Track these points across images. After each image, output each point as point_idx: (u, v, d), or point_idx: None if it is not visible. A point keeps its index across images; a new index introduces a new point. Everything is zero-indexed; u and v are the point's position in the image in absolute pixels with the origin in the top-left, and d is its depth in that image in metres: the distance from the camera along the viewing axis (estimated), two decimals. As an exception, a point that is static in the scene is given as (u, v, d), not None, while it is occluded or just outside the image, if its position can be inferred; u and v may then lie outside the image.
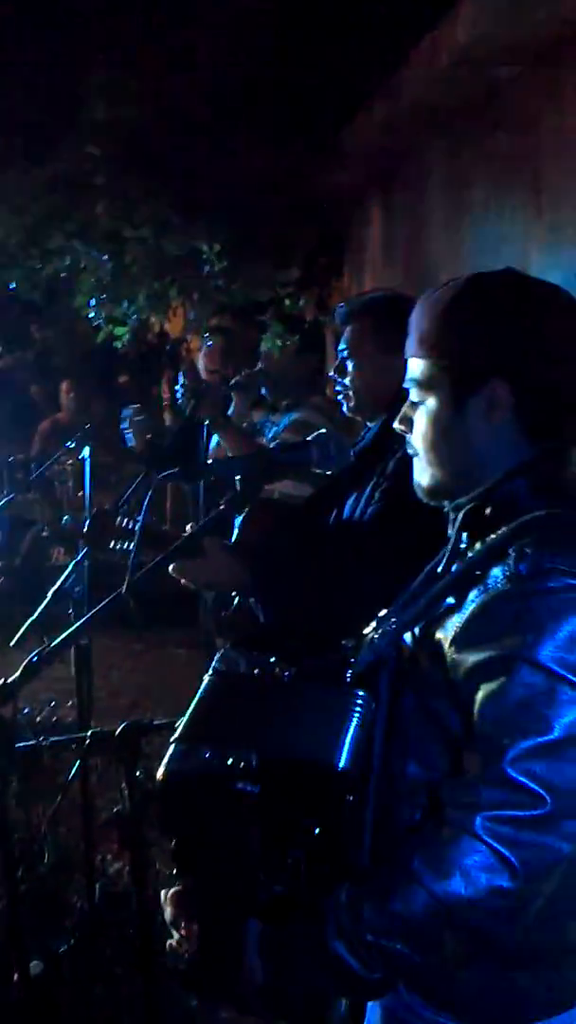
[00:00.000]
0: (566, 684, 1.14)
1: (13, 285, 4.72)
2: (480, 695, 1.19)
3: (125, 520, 2.25)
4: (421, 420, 1.35)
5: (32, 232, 4.43)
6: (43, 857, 3.30)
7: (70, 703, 4.70)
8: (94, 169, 4.40)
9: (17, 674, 1.35)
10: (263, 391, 3.90)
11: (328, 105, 4.73)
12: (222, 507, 1.48)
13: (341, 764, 1.23)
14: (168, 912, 1.34)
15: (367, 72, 4.36)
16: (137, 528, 2.07)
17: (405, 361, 1.38)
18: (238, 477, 1.46)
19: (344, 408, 2.37)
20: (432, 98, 3.85)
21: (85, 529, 2.26)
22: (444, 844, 1.15)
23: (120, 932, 2.89)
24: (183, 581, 2.20)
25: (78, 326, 7.05)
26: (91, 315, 4.57)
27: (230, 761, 1.26)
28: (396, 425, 1.40)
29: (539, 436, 1.32)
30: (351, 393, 2.30)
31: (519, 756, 1.13)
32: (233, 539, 2.43)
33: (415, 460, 1.39)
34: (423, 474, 1.38)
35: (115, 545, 2.24)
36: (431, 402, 1.33)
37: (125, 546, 2.22)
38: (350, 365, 2.28)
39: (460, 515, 1.33)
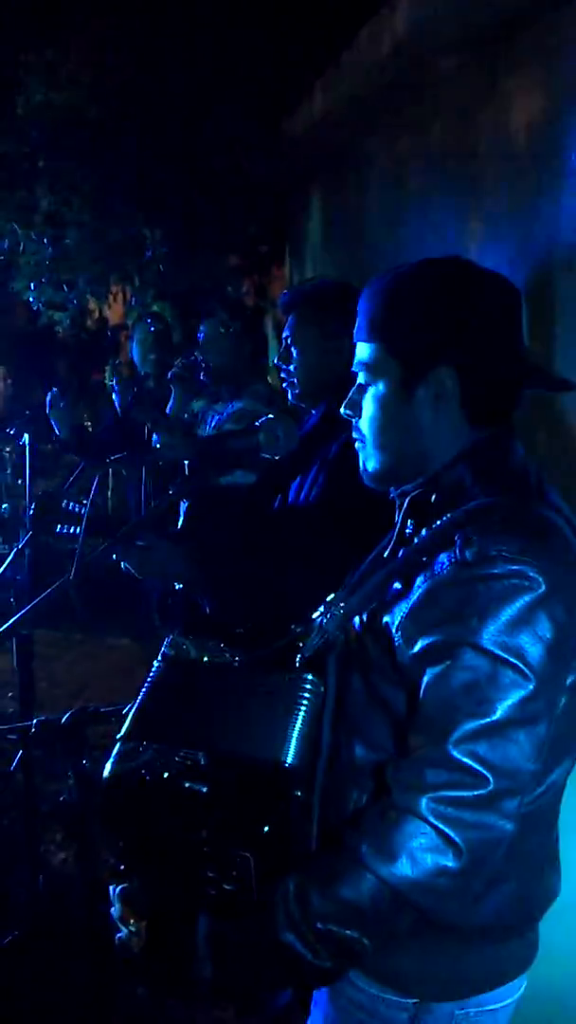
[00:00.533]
0: (509, 667, 1.16)
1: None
2: (426, 679, 1.21)
3: (70, 504, 2.23)
4: (369, 405, 1.36)
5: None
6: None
7: (10, 694, 4.66)
8: (34, 151, 4.32)
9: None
10: (203, 380, 3.87)
11: (269, 94, 4.72)
12: (170, 494, 1.48)
13: (289, 760, 1.25)
14: (117, 908, 1.34)
15: (307, 62, 4.37)
16: (83, 513, 2.05)
17: (349, 347, 1.39)
18: (186, 462, 1.46)
19: (289, 395, 2.38)
20: (371, 88, 3.86)
21: (31, 512, 2.23)
22: (389, 827, 1.17)
23: (65, 923, 2.88)
24: (128, 569, 2.19)
25: (16, 311, 6.94)
26: (31, 299, 4.49)
27: (177, 759, 1.28)
28: (343, 410, 1.40)
29: (482, 423, 1.34)
30: (295, 380, 2.32)
31: (462, 738, 1.16)
32: (179, 527, 2.43)
33: (361, 446, 1.40)
34: (370, 459, 1.39)
35: (61, 528, 2.22)
36: (380, 387, 1.34)
37: (71, 530, 2.20)
38: (294, 352, 2.30)
39: (406, 501, 1.35)
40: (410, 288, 1.32)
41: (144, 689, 1.40)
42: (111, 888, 1.36)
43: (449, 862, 1.15)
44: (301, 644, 1.31)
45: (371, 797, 1.28)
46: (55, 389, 4.16)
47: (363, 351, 1.36)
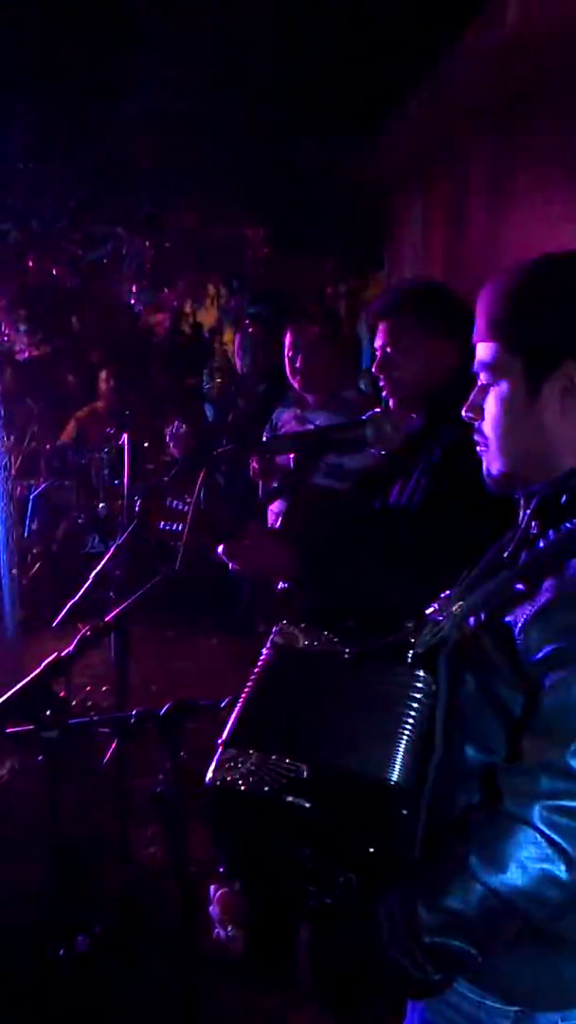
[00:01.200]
0: None
1: (55, 272, 4.74)
2: (547, 683, 1.17)
3: (174, 502, 2.25)
4: (492, 406, 1.32)
5: (74, 218, 4.44)
6: (76, 840, 3.32)
7: (104, 688, 4.75)
8: (137, 155, 4.40)
9: (71, 648, 1.35)
10: (294, 384, 3.76)
11: (372, 94, 4.70)
12: (275, 488, 1.47)
13: (394, 777, 1.22)
14: (216, 910, 1.33)
15: (412, 59, 4.33)
16: (186, 510, 2.07)
17: (451, 349, 1.37)
18: (292, 456, 1.45)
19: (391, 403, 2.32)
20: (478, 85, 3.81)
21: (133, 510, 2.25)
22: (499, 836, 1.14)
23: (154, 916, 2.91)
24: (232, 566, 2.20)
25: (116, 314, 7.07)
26: (132, 301, 4.57)
27: (280, 770, 1.26)
28: (465, 413, 1.36)
29: None
30: (396, 386, 2.26)
31: None
32: (279, 525, 2.42)
33: (485, 449, 1.35)
34: (495, 461, 1.34)
35: (164, 525, 2.24)
36: (503, 387, 1.30)
37: (173, 527, 2.22)
38: (394, 357, 2.24)
39: (533, 501, 1.30)
40: (530, 284, 1.29)
41: (249, 683, 1.38)
42: (212, 888, 1.34)
43: (560, 873, 1.11)
44: (413, 640, 1.28)
45: (480, 800, 1.24)
46: (178, 420, 4.25)
47: (484, 351, 1.33)
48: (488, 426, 1.33)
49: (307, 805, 1.24)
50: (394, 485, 2.26)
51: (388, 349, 2.24)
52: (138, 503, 2.17)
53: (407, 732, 1.24)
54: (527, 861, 1.12)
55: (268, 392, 4.24)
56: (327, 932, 1.23)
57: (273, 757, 1.28)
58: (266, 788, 1.27)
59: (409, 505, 2.14)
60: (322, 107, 4.68)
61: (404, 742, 1.24)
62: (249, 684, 1.39)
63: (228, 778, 1.29)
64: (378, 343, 2.28)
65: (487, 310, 1.32)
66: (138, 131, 4.42)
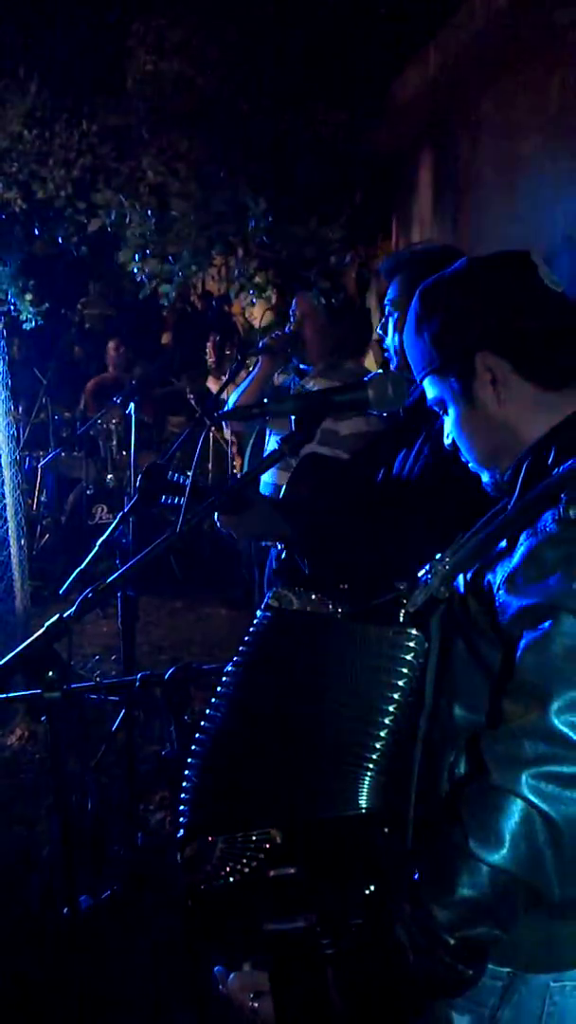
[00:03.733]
0: None
1: (60, 240, 4.71)
2: (523, 642, 1.17)
3: (176, 475, 2.24)
4: (452, 431, 1.42)
5: (78, 186, 4.40)
6: (86, 806, 3.36)
7: (113, 657, 4.79)
8: (140, 122, 4.35)
9: (73, 609, 1.35)
10: (293, 360, 3.68)
11: (378, 56, 4.63)
12: (275, 450, 1.47)
13: (364, 804, 1.20)
14: (231, 991, 1.25)
15: (420, 20, 4.26)
16: (186, 483, 2.06)
17: None
18: (293, 417, 1.45)
19: (392, 365, 2.31)
20: (487, 45, 3.74)
21: (137, 482, 2.25)
22: (492, 812, 1.13)
23: (161, 881, 2.94)
24: (228, 532, 2.19)
25: (123, 284, 7.03)
26: (135, 270, 4.53)
27: (252, 842, 1.21)
28: (445, 441, 1.45)
29: (562, 383, 1.33)
30: (398, 350, 2.25)
31: (564, 707, 1.11)
32: (283, 496, 2.41)
33: (472, 467, 1.44)
34: (481, 474, 1.42)
35: (166, 499, 2.23)
36: (451, 409, 1.40)
37: (175, 500, 2.21)
38: (398, 320, 2.23)
39: (521, 472, 1.32)
40: (414, 318, 1.41)
41: (242, 648, 1.37)
42: (217, 973, 1.26)
43: (553, 839, 1.11)
44: (405, 600, 1.28)
45: (466, 770, 1.24)
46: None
47: (427, 389, 1.44)
48: (462, 447, 1.43)
49: (292, 871, 1.20)
50: (398, 454, 2.24)
51: (393, 309, 2.23)
52: (139, 479, 2.16)
53: (394, 707, 1.23)
54: (520, 833, 1.11)
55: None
56: (351, 970, 1.19)
57: (239, 836, 1.23)
58: (246, 871, 1.22)
59: (411, 475, 2.13)
60: (328, 73, 4.61)
61: (387, 723, 1.22)
62: (241, 652, 1.38)
63: (201, 878, 1.23)
64: (387, 299, 2.26)
65: (408, 351, 1.45)
66: (142, 99, 4.36)
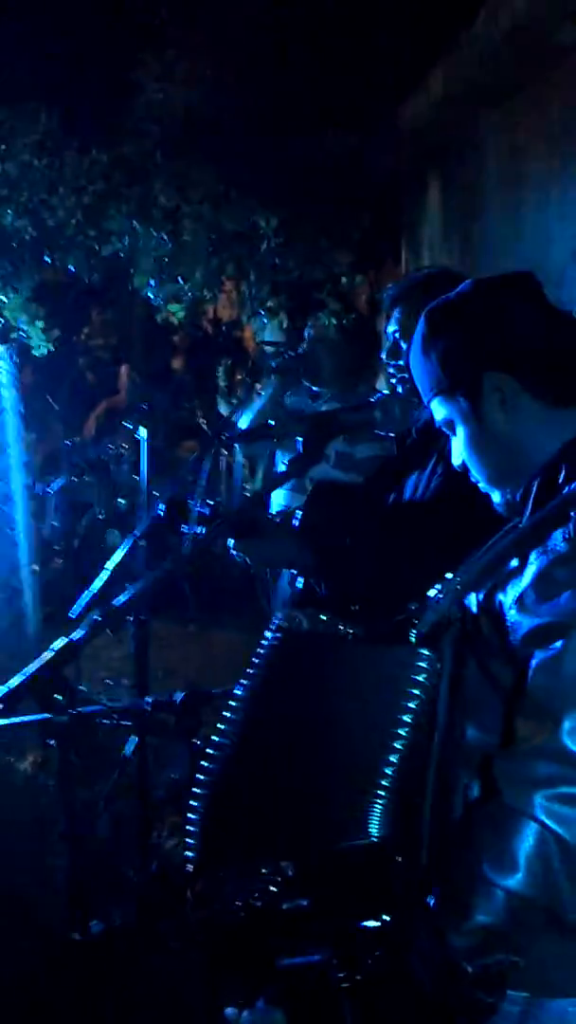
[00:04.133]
0: None
1: (72, 268, 4.74)
2: (534, 662, 1.16)
3: (197, 505, 2.24)
4: (462, 452, 1.41)
5: (90, 213, 4.44)
6: (99, 831, 3.35)
7: (125, 681, 4.78)
8: (152, 148, 4.39)
9: (81, 631, 1.35)
10: (305, 382, 3.67)
11: (384, 80, 4.68)
12: (284, 473, 1.47)
13: (375, 831, 1.19)
14: None
15: (423, 45, 4.30)
16: (207, 512, 2.06)
17: None
18: (299, 439, 1.45)
19: (399, 390, 2.30)
20: (490, 68, 3.77)
21: (162, 514, 2.25)
22: (505, 835, 1.12)
23: (175, 907, 2.92)
24: (242, 558, 2.19)
25: (135, 309, 7.08)
26: (150, 295, 4.56)
27: (262, 876, 1.19)
28: (454, 462, 1.44)
29: (571, 400, 1.33)
30: (407, 375, 2.24)
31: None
32: (299, 523, 2.41)
33: (482, 487, 1.43)
34: (493, 494, 1.41)
35: (188, 529, 2.24)
36: (459, 430, 1.39)
37: (197, 530, 2.22)
38: (404, 346, 2.19)
39: (532, 491, 1.32)
40: (423, 340, 1.41)
41: (251, 670, 1.36)
42: (230, 1015, 1.23)
43: (567, 862, 1.10)
44: (416, 621, 1.27)
45: (479, 791, 1.23)
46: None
47: (434, 410, 1.43)
48: (472, 468, 1.42)
49: (305, 903, 1.18)
50: (410, 477, 2.24)
51: (398, 336, 2.23)
52: (162, 510, 2.16)
53: (406, 729, 1.21)
54: (535, 856, 1.10)
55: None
56: (369, 1004, 1.17)
57: (250, 870, 1.22)
58: (258, 905, 1.20)
59: (424, 497, 2.12)
60: (335, 96, 4.66)
61: (399, 746, 1.21)
62: (249, 675, 1.37)
63: (212, 915, 1.21)
64: (390, 329, 2.26)
65: (415, 373, 1.45)
66: (152, 124, 4.41)
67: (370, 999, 1.16)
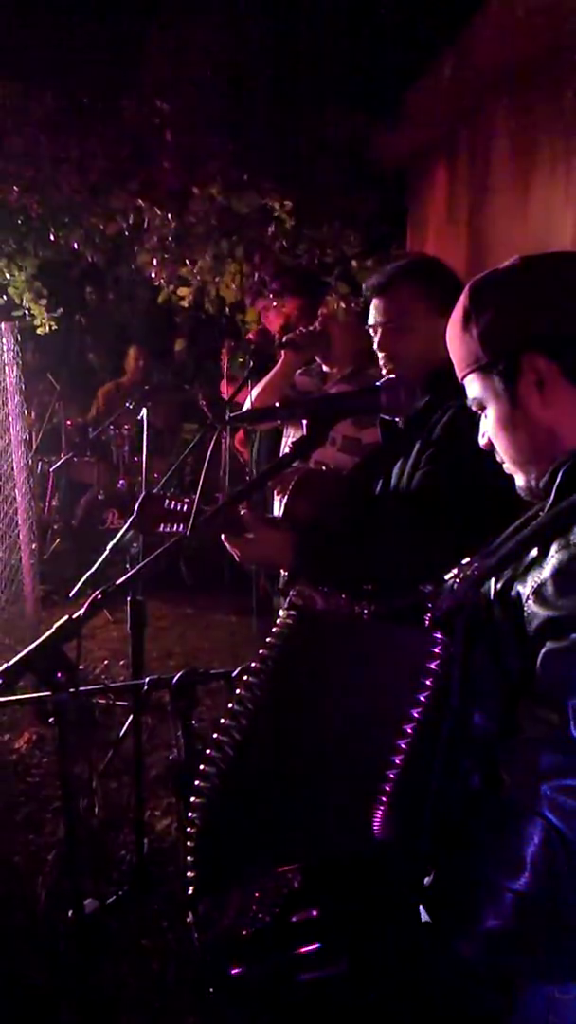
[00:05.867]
0: None
1: (76, 245, 4.71)
2: (546, 652, 1.15)
3: (172, 503, 2.22)
4: (491, 430, 1.38)
5: (95, 191, 4.41)
6: (94, 811, 3.35)
7: (122, 663, 4.78)
8: (160, 126, 4.35)
9: (82, 610, 1.34)
10: (317, 359, 3.63)
11: (394, 63, 4.63)
12: (289, 451, 1.46)
13: (385, 832, 1.17)
14: None
15: (435, 28, 4.26)
16: (185, 509, 2.04)
17: (446, 323, 1.40)
18: (304, 421, 1.44)
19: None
20: (504, 54, 3.73)
21: (134, 515, 2.24)
22: (509, 835, 1.11)
23: (167, 887, 2.93)
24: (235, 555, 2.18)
25: (139, 290, 7.04)
26: (152, 275, 4.54)
27: (270, 888, 1.18)
28: (481, 441, 1.42)
29: None
30: (394, 361, 2.20)
31: None
32: (282, 512, 2.39)
33: (508, 467, 1.40)
34: (517, 477, 1.39)
35: (164, 528, 2.21)
36: (492, 409, 1.37)
37: (174, 528, 2.20)
38: (398, 332, 2.19)
39: (559, 477, 1.30)
40: (465, 314, 1.37)
41: (265, 651, 1.34)
42: None
43: (571, 863, 1.09)
44: (430, 604, 1.27)
45: (482, 782, 1.22)
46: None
47: (468, 386, 1.40)
48: (499, 447, 1.39)
49: (315, 913, 1.16)
50: (393, 466, 2.23)
51: (389, 323, 2.20)
52: (136, 510, 2.15)
53: (419, 711, 1.20)
54: (540, 857, 1.09)
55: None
56: (388, 1016, 1.16)
57: (256, 885, 1.19)
58: (267, 919, 1.17)
59: (408, 486, 2.11)
60: (346, 78, 4.62)
61: (410, 731, 1.19)
62: (264, 657, 1.35)
63: (219, 933, 1.17)
64: (375, 320, 2.23)
65: (452, 347, 1.40)
66: (160, 101, 4.37)
67: (389, 1012, 1.15)
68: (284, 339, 3.55)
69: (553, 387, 1.30)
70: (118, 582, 1.41)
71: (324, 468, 3.12)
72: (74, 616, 1.34)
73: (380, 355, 2.21)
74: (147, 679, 1.79)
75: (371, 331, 2.25)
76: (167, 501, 2.23)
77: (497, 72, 3.95)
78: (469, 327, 1.36)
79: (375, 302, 2.23)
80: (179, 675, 1.77)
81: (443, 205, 5.21)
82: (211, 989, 1.22)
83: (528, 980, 1.23)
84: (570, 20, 3.15)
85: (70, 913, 1.49)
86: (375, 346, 2.25)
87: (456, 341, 1.39)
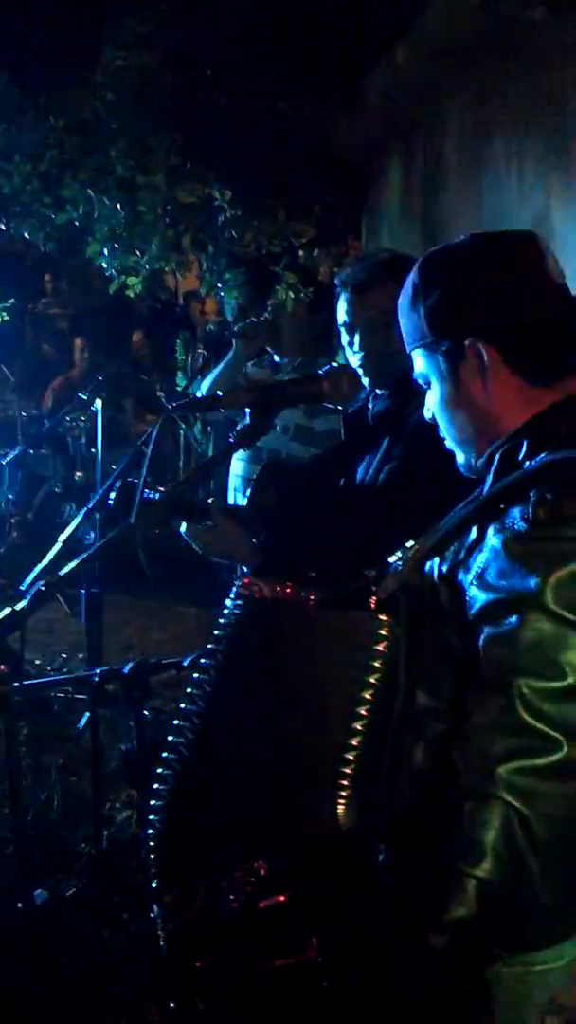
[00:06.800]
0: (574, 629, 1.12)
1: (27, 235, 4.66)
2: (486, 637, 1.17)
3: (147, 492, 2.20)
4: (434, 406, 1.39)
5: (46, 180, 4.36)
6: (52, 804, 3.34)
7: (81, 656, 4.75)
8: (108, 115, 4.31)
9: (25, 602, 1.33)
10: (269, 349, 3.62)
11: (348, 51, 4.63)
12: (229, 443, 1.46)
13: (347, 816, 1.17)
14: None
15: (389, 19, 4.26)
16: (159, 499, 2.03)
17: None
18: (247, 409, 1.44)
19: (364, 380, 2.20)
20: (455, 44, 3.75)
21: (111, 503, 2.21)
22: (469, 822, 1.12)
23: (127, 878, 2.92)
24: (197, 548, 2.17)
25: (92, 280, 6.97)
26: (103, 264, 4.50)
27: (235, 878, 1.18)
28: (426, 415, 1.42)
29: (551, 380, 1.30)
30: (374, 362, 2.16)
31: (530, 700, 1.12)
32: (247, 503, 2.39)
33: (450, 444, 1.42)
34: (457, 453, 1.40)
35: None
36: (434, 386, 1.37)
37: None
38: (378, 332, 2.13)
39: (495, 461, 1.32)
40: (411, 289, 1.37)
41: (212, 644, 1.34)
42: None
43: (532, 843, 1.11)
44: (375, 587, 1.27)
45: (425, 745, 1.24)
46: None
47: (415, 361, 1.40)
48: (440, 424, 1.40)
49: (282, 899, 1.17)
50: (361, 460, 2.22)
51: (366, 326, 2.17)
52: (113, 498, 2.12)
53: (370, 692, 1.21)
54: (500, 840, 1.11)
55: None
56: (363, 1004, 1.15)
57: (222, 873, 1.19)
58: (235, 907, 1.17)
59: (375, 480, 2.11)
60: (296, 68, 4.60)
61: (363, 713, 1.21)
62: (211, 650, 1.35)
63: (186, 924, 1.18)
64: (352, 320, 2.19)
65: (401, 320, 1.40)
66: (110, 91, 4.33)
67: (357, 996, 1.15)
68: (235, 328, 3.54)
69: (494, 374, 1.30)
70: (61, 572, 1.40)
71: (280, 458, 3.12)
72: (17, 608, 1.33)
73: (356, 355, 2.18)
74: (98, 671, 1.79)
75: (344, 329, 2.22)
76: (144, 491, 2.21)
77: (450, 62, 3.96)
78: (417, 304, 1.35)
79: (352, 300, 2.18)
80: (130, 665, 1.76)
81: (398, 195, 5.23)
82: (172, 1004, 1.22)
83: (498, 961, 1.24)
84: (523, 11, 3.16)
85: (19, 905, 1.48)
86: (350, 344, 2.22)
87: (405, 315, 1.39)
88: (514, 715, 1.12)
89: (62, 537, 2.62)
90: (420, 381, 1.41)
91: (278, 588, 1.32)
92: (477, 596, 1.20)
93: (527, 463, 1.24)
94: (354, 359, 2.19)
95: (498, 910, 1.12)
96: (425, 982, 1.13)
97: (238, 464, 3.39)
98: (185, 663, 1.71)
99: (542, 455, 1.24)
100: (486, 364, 1.30)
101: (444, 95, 4.24)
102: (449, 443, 1.41)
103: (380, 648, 1.23)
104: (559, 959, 1.32)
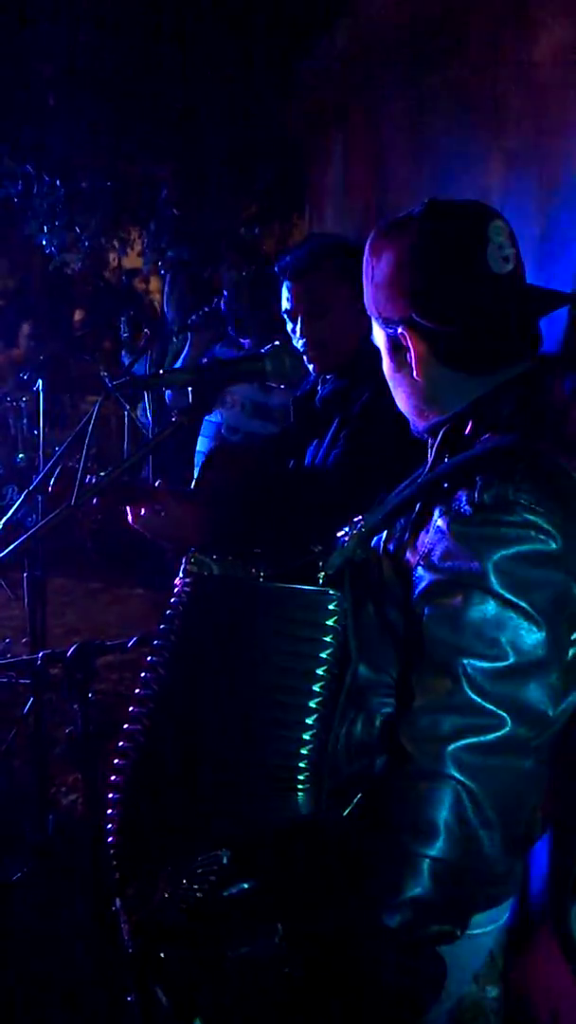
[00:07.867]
0: (517, 611, 1.14)
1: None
2: (434, 616, 1.18)
3: (88, 476, 2.17)
4: (386, 375, 1.41)
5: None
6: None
7: (24, 640, 4.70)
8: (45, 90, 4.23)
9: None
10: (229, 330, 3.64)
11: (288, 27, 4.60)
12: (173, 421, 1.45)
13: (305, 802, 1.19)
14: None
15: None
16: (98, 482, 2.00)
17: (358, 308, 1.43)
18: (190, 388, 1.43)
19: (309, 364, 2.18)
20: (391, 22, 3.74)
21: (50, 487, 2.17)
22: (421, 803, 1.14)
23: (71, 862, 2.91)
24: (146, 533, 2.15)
25: (32, 259, 6.85)
26: (43, 240, 4.42)
27: (198, 873, 1.18)
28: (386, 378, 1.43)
29: (487, 369, 1.31)
30: (317, 347, 2.14)
31: (475, 680, 1.13)
32: (194, 485, 2.38)
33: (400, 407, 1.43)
34: (410, 420, 1.42)
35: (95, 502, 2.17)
36: (385, 358, 1.40)
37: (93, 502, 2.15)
38: (319, 318, 2.13)
39: (439, 435, 1.33)
40: (367, 261, 1.37)
41: (166, 624, 1.33)
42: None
43: (483, 818, 1.13)
44: (322, 563, 1.28)
45: (365, 717, 1.25)
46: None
47: (373, 327, 1.42)
48: (391, 390, 1.42)
49: (246, 885, 1.18)
50: (308, 445, 2.23)
51: (308, 313, 2.14)
52: (52, 482, 2.08)
53: (323, 669, 1.22)
54: (452, 818, 1.12)
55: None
56: (326, 992, 1.15)
57: (184, 863, 1.19)
58: (199, 895, 1.17)
59: (324, 464, 2.12)
60: (235, 47, 4.56)
61: (317, 690, 1.22)
62: (164, 631, 1.34)
63: (151, 914, 1.17)
64: (293, 306, 2.17)
65: (364, 286, 1.40)
66: (46, 65, 4.25)
67: (323, 982, 1.15)
68: (190, 320, 3.58)
69: (425, 365, 1.31)
70: (5, 552, 1.38)
71: (237, 434, 3.12)
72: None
73: (299, 341, 2.17)
74: (41, 654, 1.77)
75: (286, 316, 2.19)
76: (87, 476, 2.18)
77: (388, 40, 3.95)
78: (368, 278, 1.37)
79: (291, 287, 2.16)
80: (73, 648, 1.74)
81: (339, 174, 5.21)
82: (128, 999, 1.21)
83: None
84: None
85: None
86: (293, 331, 2.19)
87: (364, 284, 1.40)
88: (460, 695, 1.14)
89: (2, 521, 2.59)
90: (376, 346, 1.42)
91: (226, 565, 1.32)
92: (423, 576, 1.21)
93: (476, 444, 1.26)
94: (298, 345, 2.18)
95: (452, 887, 1.14)
96: (382, 964, 1.14)
97: (203, 441, 3.41)
98: (129, 644, 1.70)
99: (486, 436, 1.25)
100: (418, 354, 1.31)
101: (384, 73, 4.23)
102: (399, 407, 1.44)
103: (330, 623, 1.24)
104: (496, 921, 1.35)
